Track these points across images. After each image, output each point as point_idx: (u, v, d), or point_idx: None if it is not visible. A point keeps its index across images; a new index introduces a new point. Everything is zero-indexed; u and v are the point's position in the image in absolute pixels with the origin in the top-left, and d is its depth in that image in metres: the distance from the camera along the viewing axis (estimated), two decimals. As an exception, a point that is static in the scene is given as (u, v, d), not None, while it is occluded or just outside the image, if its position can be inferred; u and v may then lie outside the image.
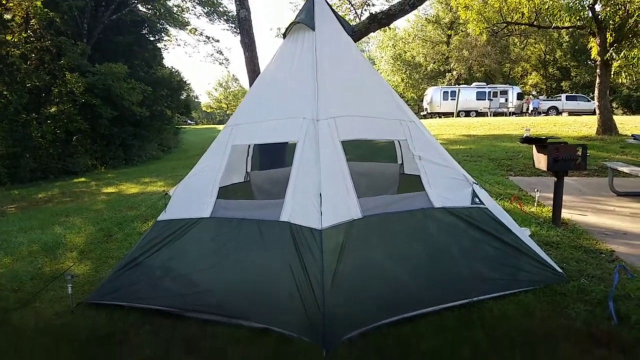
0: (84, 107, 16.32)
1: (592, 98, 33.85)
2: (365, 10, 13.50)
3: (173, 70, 21.71)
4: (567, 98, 34.59)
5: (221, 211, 3.86)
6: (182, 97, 22.30)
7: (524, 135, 6.38)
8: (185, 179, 4.25)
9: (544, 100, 35.58)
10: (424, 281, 3.56)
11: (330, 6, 4.68)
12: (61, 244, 5.66)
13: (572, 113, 31.19)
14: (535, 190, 6.83)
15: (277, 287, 3.36)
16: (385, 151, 6.05)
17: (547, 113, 32.98)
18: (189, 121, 37.20)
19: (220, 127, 44.83)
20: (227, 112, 72.53)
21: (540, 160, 5.71)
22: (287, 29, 4.61)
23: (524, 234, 4.21)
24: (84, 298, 3.89)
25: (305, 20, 4.33)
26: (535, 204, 6.69)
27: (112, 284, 3.83)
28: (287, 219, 3.54)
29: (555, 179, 5.64)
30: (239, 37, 9.32)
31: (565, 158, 5.43)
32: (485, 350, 2.93)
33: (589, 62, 44.21)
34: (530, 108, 34.73)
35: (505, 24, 16.97)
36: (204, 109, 71.28)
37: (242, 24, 8.92)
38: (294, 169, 3.72)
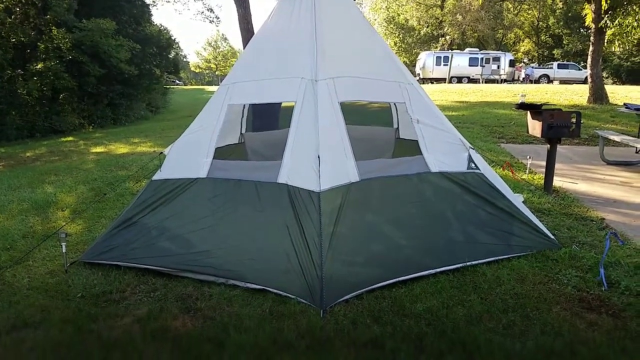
0: (71, 64, 15.83)
1: (584, 67, 33.96)
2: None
3: (162, 27, 21.13)
4: (559, 66, 34.47)
5: (218, 172, 3.82)
6: (171, 56, 21.76)
7: (519, 101, 6.34)
8: (181, 138, 4.17)
9: (536, 68, 35.41)
10: (419, 245, 3.59)
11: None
12: (52, 203, 5.59)
13: (563, 81, 31.18)
14: (528, 157, 6.85)
15: (274, 249, 3.37)
16: (380, 115, 6.00)
17: (538, 81, 32.87)
18: (177, 81, 36.47)
19: (210, 87, 44.32)
20: (217, 72, 71.16)
21: (535, 127, 5.69)
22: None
23: (517, 200, 4.25)
24: (77, 257, 3.87)
25: None
26: (527, 171, 6.73)
27: (107, 243, 3.80)
28: (284, 180, 3.52)
29: (549, 145, 5.65)
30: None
31: (560, 125, 5.43)
32: (478, 313, 2.98)
33: (582, 30, 43.89)
34: (523, 75, 34.62)
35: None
36: (192, 69, 69.81)
37: (235, -20, 8.62)
38: (291, 131, 3.67)
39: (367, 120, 6.26)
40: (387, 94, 4.22)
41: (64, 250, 3.68)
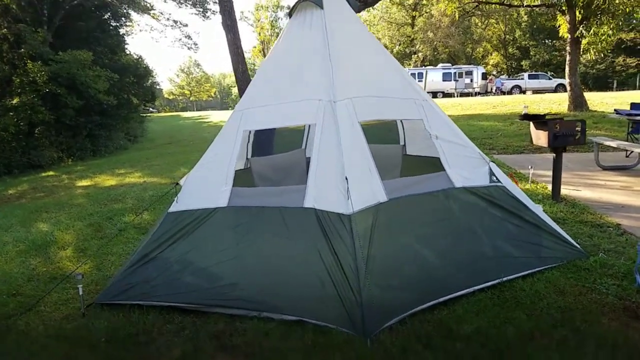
0: (48, 97, 15.43)
1: (553, 76, 35.04)
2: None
3: (137, 56, 20.89)
4: (530, 77, 35.39)
5: (238, 200, 3.68)
6: (148, 84, 21.50)
7: (523, 112, 6.39)
8: (196, 167, 4.02)
9: (507, 80, 36.31)
10: (453, 263, 3.50)
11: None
12: (51, 242, 5.32)
13: (535, 91, 31.95)
14: (529, 167, 6.89)
15: (307, 277, 3.23)
16: (386, 133, 5.95)
17: (510, 92, 33.65)
18: (152, 109, 36.06)
19: (185, 114, 43.98)
20: (191, 98, 70.85)
21: (540, 137, 5.72)
22: (293, 7, 4.40)
23: (539, 210, 4.21)
24: (93, 299, 3.65)
25: None
26: (530, 180, 6.76)
27: (125, 281, 3.60)
28: (311, 205, 3.40)
29: (554, 154, 5.68)
30: (206, 22, 9.03)
31: (565, 134, 5.47)
32: (528, 330, 2.89)
33: (547, 41, 45.45)
34: (494, 88, 35.48)
35: (476, 3, 17.08)
36: (165, 96, 69.24)
37: (224, 6, 8.59)
38: (314, 153, 3.57)
39: (373, 138, 6.20)
40: (405, 112, 4.17)
41: (80, 293, 3.46)
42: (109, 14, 20.30)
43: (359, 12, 9.44)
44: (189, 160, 12.06)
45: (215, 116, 32.44)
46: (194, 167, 4.04)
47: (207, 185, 3.83)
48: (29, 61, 15.31)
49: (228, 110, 53.07)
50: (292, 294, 3.23)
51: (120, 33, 21.26)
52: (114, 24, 20.93)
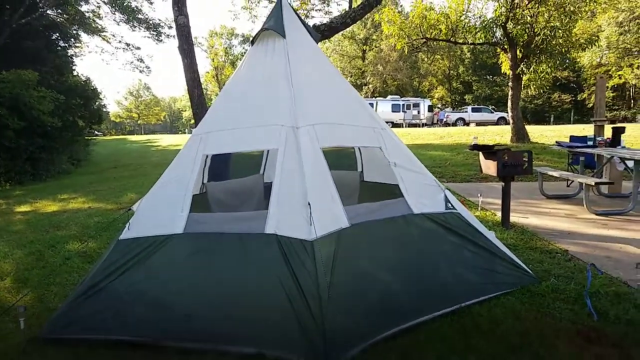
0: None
1: (494, 109, 36.93)
2: (306, 21, 13.56)
3: (85, 77, 20.22)
4: (473, 110, 37.22)
5: (195, 226, 3.54)
6: (95, 107, 20.78)
7: (472, 143, 6.62)
8: (151, 192, 3.87)
9: (452, 112, 37.94)
10: (414, 289, 3.51)
11: (296, 13, 4.58)
12: (-14, 272, 4.92)
13: (478, 123, 33.49)
14: (478, 195, 7.12)
15: (267, 306, 3.12)
16: (342, 159, 6.00)
17: (455, 124, 35.11)
18: (97, 132, 34.79)
19: (132, 137, 42.71)
20: (139, 121, 69.21)
21: (489, 166, 5.94)
22: (255, 35, 4.44)
23: (492, 237, 4.33)
24: (35, 333, 3.36)
25: (276, 27, 4.22)
26: (479, 208, 6.97)
27: (70, 314, 3.34)
28: (273, 230, 3.32)
29: (503, 183, 5.90)
30: (159, 45, 8.96)
31: (513, 164, 5.71)
32: (492, 356, 2.92)
33: (488, 77, 48.12)
34: (437, 119, 37.10)
35: (424, 40, 17.80)
36: (112, 118, 67.25)
37: (181, 31, 8.53)
38: (276, 178, 3.52)
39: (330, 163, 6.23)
40: (364, 139, 4.22)
41: (22, 327, 3.18)
42: (57, 34, 19.63)
43: (317, 42, 9.64)
44: (136, 185, 11.66)
45: (164, 140, 31.70)
46: (148, 192, 3.88)
47: (162, 211, 3.67)
48: (-31, 80, 14.47)
49: (178, 134, 52.22)
50: (252, 325, 3.11)
51: (69, 54, 20.59)
52: (62, 45, 20.25)
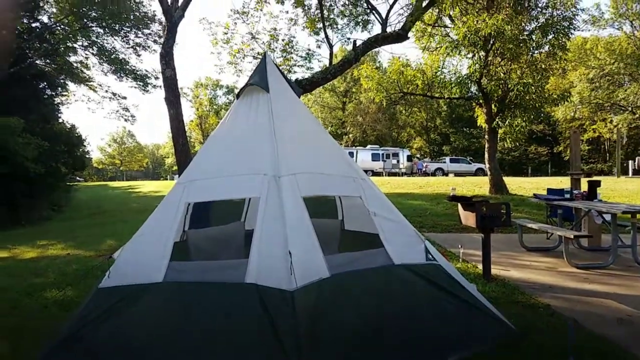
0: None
1: (472, 160, 37.81)
2: (288, 76, 13.95)
3: (70, 125, 20.23)
4: (451, 160, 38.12)
5: (175, 274, 3.52)
6: (79, 153, 20.65)
7: (451, 194, 6.72)
8: (132, 240, 3.84)
9: (430, 163, 38.77)
10: (395, 343, 3.46)
11: (279, 69, 4.78)
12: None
13: (456, 174, 34.17)
14: (459, 246, 7.15)
15: (246, 357, 3.03)
16: (325, 206, 6.00)
17: (434, 174, 35.75)
18: (79, 178, 34.37)
19: (114, 183, 42.14)
20: (121, 168, 68.74)
21: (468, 218, 6.01)
22: (240, 90, 4.66)
23: (474, 289, 4.31)
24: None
25: (260, 83, 4.42)
26: (461, 259, 6.97)
27: (46, 365, 3.19)
28: (253, 280, 3.30)
29: (483, 235, 5.94)
30: (146, 95, 9.13)
31: (492, 215, 5.78)
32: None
33: (465, 129, 49.52)
34: (416, 169, 37.92)
35: (402, 94, 18.40)
36: (95, 165, 66.66)
37: (168, 83, 8.73)
38: (257, 227, 3.53)
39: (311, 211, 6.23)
40: (344, 189, 4.34)
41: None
42: (45, 83, 19.77)
43: (300, 97, 9.94)
44: (116, 232, 11.44)
45: (146, 186, 31.39)
46: (130, 240, 3.83)
47: (142, 259, 3.65)
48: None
49: (160, 180, 51.80)
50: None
51: (55, 102, 20.65)
52: (49, 93, 20.35)
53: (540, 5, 15.80)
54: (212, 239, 5.16)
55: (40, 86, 19.59)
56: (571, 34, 15.32)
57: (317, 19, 13.46)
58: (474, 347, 3.69)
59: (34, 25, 19.60)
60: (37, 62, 19.49)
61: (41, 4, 19.42)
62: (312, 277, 3.34)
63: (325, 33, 13.13)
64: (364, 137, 49.99)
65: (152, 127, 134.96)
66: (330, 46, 12.78)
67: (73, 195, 24.01)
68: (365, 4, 13.78)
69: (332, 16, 13.94)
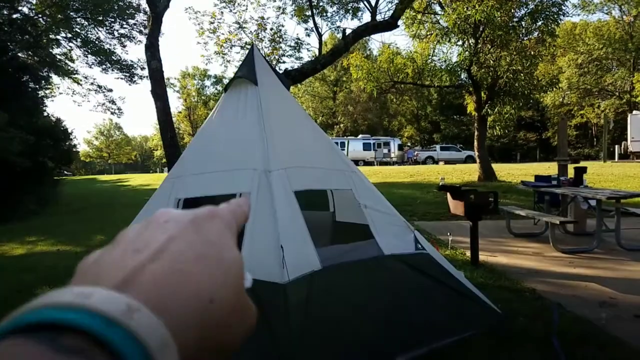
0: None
1: (462, 148, 38.02)
2: (277, 66, 13.88)
3: (55, 118, 19.99)
4: (441, 148, 38.29)
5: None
6: (65, 147, 20.44)
7: (440, 184, 6.80)
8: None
9: (421, 151, 38.90)
10: (388, 332, 3.53)
11: (267, 61, 4.75)
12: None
13: (446, 162, 34.37)
14: (448, 234, 7.26)
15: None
16: (317, 197, 6.05)
17: (425, 162, 35.92)
18: (66, 172, 34.01)
19: (102, 177, 41.87)
20: (109, 161, 68.21)
21: (457, 207, 6.10)
22: (228, 83, 4.58)
23: (462, 277, 4.41)
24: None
25: (248, 75, 4.37)
26: (449, 247, 7.09)
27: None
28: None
29: (471, 223, 6.05)
30: (132, 86, 9.07)
31: (480, 204, 5.88)
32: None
33: (455, 117, 49.68)
34: (406, 158, 38.06)
35: (392, 83, 18.42)
36: (82, 158, 65.98)
37: (154, 75, 8.65)
38: (249, 222, 3.53)
39: (302, 203, 6.29)
40: (335, 182, 4.34)
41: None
42: (28, 76, 19.46)
43: (289, 89, 9.92)
44: (106, 227, 11.39)
45: (135, 180, 31.22)
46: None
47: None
48: None
49: (149, 173, 51.52)
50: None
51: (39, 95, 20.34)
52: (33, 86, 20.05)
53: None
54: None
55: (24, 79, 19.29)
56: (560, 19, 15.42)
57: (305, 7, 13.41)
58: (462, 333, 3.81)
59: (14, 16, 19.27)
60: (20, 54, 19.17)
61: (21, -5, 19.16)
62: (304, 269, 3.39)
63: (314, 21, 13.11)
64: (355, 126, 50.00)
65: (139, 119, 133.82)
66: (320, 35, 12.78)
67: (61, 190, 23.84)
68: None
69: (321, 3, 13.92)
